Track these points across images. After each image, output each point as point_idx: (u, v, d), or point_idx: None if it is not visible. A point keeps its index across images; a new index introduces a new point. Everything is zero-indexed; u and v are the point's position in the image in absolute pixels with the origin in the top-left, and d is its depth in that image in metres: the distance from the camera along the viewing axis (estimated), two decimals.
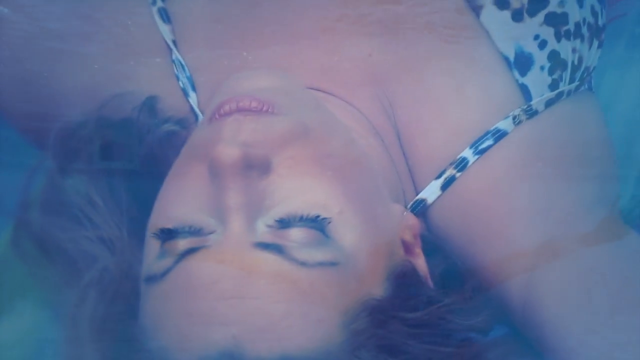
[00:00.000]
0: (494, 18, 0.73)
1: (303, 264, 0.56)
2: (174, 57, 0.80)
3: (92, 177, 0.74)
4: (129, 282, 0.65)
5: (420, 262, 0.68)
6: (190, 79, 0.80)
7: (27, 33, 0.82)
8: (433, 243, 0.73)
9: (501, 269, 0.72)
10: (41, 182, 0.76)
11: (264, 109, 0.63)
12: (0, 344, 0.81)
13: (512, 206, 0.72)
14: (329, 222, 0.58)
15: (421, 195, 0.75)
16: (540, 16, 0.73)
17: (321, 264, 0.57)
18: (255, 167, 0.59)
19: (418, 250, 0.69)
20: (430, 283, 0.67)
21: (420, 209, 0.75)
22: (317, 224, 0.58)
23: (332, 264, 0.58)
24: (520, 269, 0.70)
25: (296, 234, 0.57)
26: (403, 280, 0.64)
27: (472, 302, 0.66)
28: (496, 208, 0.72)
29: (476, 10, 0.73)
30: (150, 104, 0.78)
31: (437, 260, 0.71)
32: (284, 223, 0.58)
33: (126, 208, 0.73)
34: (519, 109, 0.72)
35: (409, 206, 0.75)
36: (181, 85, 0.80)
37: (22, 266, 0.77)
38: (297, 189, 0.60)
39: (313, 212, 0.58)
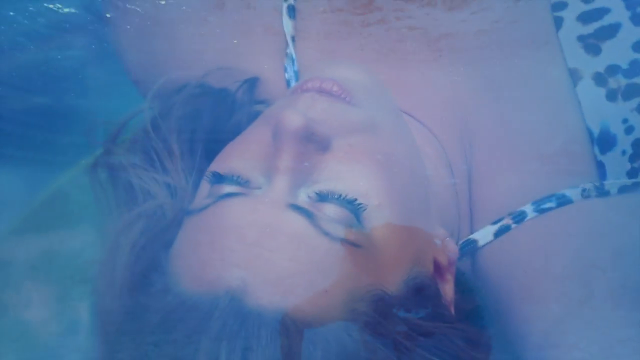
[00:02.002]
0: (589, 92, 0.75)
1: (327, 234, 0.58)
2: (288, 50, 0.86)
3: (178, 131, 0.80)
4: (176, 225, 0.69)
5: (448, 288, 0.69)
6: (296, 74, 0.86)
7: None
8: (471, 283, 0.73)
9: (527, 326, 0.71)
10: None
11: (342, 95, 0.67)
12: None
13: (554, 272, 0.72)
14: (364, 210, 0.61)
15: (474, 236, 0.76)
16: (634, 102, 0.74)
17: (344, 241, 0.59)
18: (314, 141, 0.62)
19: (449, 277, 0.69)
20: (452, 310, 0.67)
21: (469, 249, 0.76)
22: (353, 207, 0.60)
23: (355, 245, 0.60)
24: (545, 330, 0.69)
25: (330, 208, 0.60)
26: (421, 290, 0.65)
27: (484, 340, 0.66)
28: (538, 268, 0.72)
29: (575, 80, 0.75)
30: (251, 83, 0.85)
31: (467, 298, 0.71)
32: (322, 197, 0.61)
33: (198, 166, 0.78)
34: (591, 184, 0.73)
35: (460, 243, 0.76)
36: (286, 76, 0.86)
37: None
38: (346, 173, 0.63)
39: (352, 195, 0.61)
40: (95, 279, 0.69)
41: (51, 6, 1.01)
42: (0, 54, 1.02)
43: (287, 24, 0.87)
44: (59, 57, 1.06)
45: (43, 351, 0.88)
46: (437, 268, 0.69)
